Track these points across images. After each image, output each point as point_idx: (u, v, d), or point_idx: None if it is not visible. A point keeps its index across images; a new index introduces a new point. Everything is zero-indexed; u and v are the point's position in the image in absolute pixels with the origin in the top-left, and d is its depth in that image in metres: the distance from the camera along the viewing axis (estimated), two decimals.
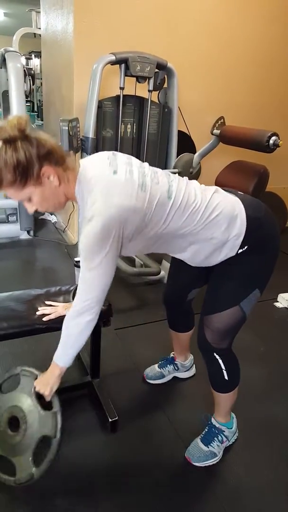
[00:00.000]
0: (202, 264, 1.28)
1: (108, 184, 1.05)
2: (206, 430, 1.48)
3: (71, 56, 2.86)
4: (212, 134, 2.71)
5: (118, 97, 2.62)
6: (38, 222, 3.63)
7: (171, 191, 1.13)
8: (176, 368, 1.82)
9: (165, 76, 2.78)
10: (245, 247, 1.19)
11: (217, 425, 1.47)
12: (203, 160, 2.88)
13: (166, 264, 2.65)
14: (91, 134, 2.59)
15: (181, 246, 1.24)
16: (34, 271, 2.96)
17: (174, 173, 2.90)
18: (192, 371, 1.87)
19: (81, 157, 2.68)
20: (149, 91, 2.66)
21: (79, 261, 2.05)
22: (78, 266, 2.17)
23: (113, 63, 2.51)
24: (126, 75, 2.54)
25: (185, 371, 1.85)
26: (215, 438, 1.44)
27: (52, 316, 1.42)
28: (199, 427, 1.51)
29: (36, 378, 1.27)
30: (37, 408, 1.23)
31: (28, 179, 1.01)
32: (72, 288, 1.62)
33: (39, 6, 3.88)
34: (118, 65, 2.53)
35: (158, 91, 2.88)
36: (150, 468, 1.41)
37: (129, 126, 2.81)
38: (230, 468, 1.42)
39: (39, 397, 1.24)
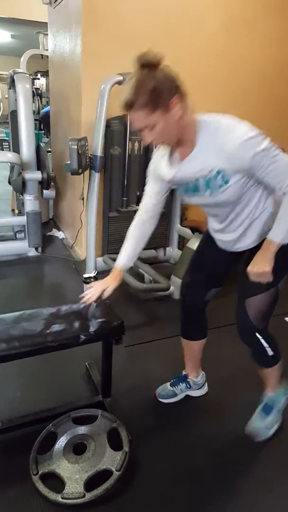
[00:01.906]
0: (241, 242, 1.40)
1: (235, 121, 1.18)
2: (263, 404, 1.63)
3: (79, 77, 2.92)
4: None
5: (125, 116, 2.67)
6: (45, 239, 3.66)
7: None
8: (188, 386, 1.81)
9: None
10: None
11: (271, 397, 1.63)
12: None
13: (176, 280, 2.65)
14: (99, 153, 2.64)
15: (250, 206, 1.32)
16: (43, 288, 2.97)
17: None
18: (205, 389, 1.85)
19: (90, 176, 2.73)
20: None
21: (87, 278, 2.08)
22: (87, 282, 2.19)
23: (120, 83, 2.57)
24: None
25: (197, 389, 1.83)
26: (272, 410, 1.61)
27: (93, 298, 1.49)
28: (219, 440, 1.49)
29: (115, 422, 1.50)
30: (108, 444, 1.42)
31: (159, 105, 1.10)
32: (82, 305, 1.62)
33: (46, 28, 3.99)
34: None
35: None
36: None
37: (136, 143, 2.85)
38: None
39: (110, 437, 1.45)
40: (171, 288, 2.61)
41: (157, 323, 2.43)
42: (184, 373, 1.82)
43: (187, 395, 1.81)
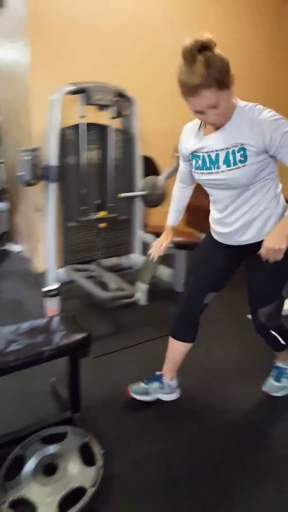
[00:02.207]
0: (241, 235, 1.47)
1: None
2: (275, 372, 1.87)
3: (27, 87, 2.87)
4: (173, 157, 2.78)
5: (79, 125, 2.65)
6: (1, 253, 3.53)
7: None
8: (161, 386, 1.79)
9: (127, 103, 2.84)
10: None
11: (282, 365, 1.86)
12: (168, 181, 2.93)
13: (140, 286, 2.64)
14: (54, 162, 2.59)
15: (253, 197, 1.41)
16: (1, 304, 2.85)
17: (142, 195, 2.96)
18: (176, 394, 1.84)
19: (45, 187, 2.67)
20: (111, 118, 2.71)
21: (48, 291, 1.99)
22: (49, 296, 2.12)
23: (72, 92, 2.54)
24: (87, 103, 2.58)
25: (168, 393, 1.81)
26: (283, 375, 1.85)
27: (157, 254, 1.73)
28: (195, 446, 1.47)
29: (86, 436, 1.45)
30: (80, 461, 1.37)
31: (224, 83, 1.20)
32: (44, 320, 1.57)
33: None
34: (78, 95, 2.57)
35: (120, 118, 2.93)
36: None
37: (94, 152, 2.83)
38: None
39: (82, 453, 1.40)
40: (137, 294, 2.59)
41: (124, 331, 2.40)
42: (159, 373, 1.81)
43: (158, 400, 1.79)
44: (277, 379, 1.87)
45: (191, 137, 1.46)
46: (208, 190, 1.52)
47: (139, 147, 2.95)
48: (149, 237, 2.97)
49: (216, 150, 1.36)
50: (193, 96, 1.21)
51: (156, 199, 3.00)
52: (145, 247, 3.10)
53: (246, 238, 1.48)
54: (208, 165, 1.40)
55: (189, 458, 1.53)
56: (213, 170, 1.39)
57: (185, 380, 1.87)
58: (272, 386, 1.87)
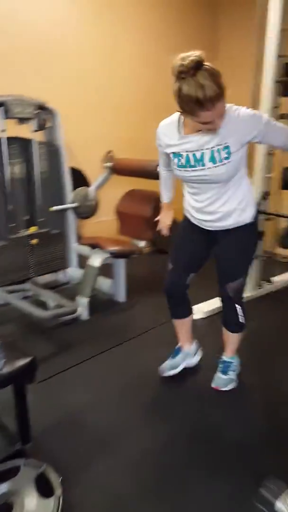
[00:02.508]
0: (220, 221, 1.64)
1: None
2: (221, 365, 1.95)
3: None
4: (104, 167, 2.78)
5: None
6: None
7: None
8: (185, 355, 2.03)
9: (48, 115, 2.78)
10: (253, 220, 1.67)
11: (228, 359, 1.95)
12: (99, 192, 2.91)
13: (82, 300, 2.57)
14: None
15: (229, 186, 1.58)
16: None
17: (73, 207, 2.91)
18: (199, 355, 2.11)
19: None
20: (33, 131, 2.63)
21: None
22: None
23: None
24: (6, 117, 2.48)
25: (193, 357, 2.08)
26: (229, 368, 1.93)
27: (167, 223, 1.96)
28: (151, 462, 1.45)
29: (40, 467, 1.35)
30: (37, 494, 1.28)
31: (224, 93, 1.31)
32: None
33: None
34: None
35: (43, 131, 2.86)
36: None
37: (17, 166, 2.71)
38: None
39: (39, 485, 1.31)
40: (79, 309, 2.52)
41: (69, 348, 2.32)
42: (178, 346, 2.05)
43: (114, 416, 1.75)
44: (224, 372, 1.94)
45: (172, 135, 1.55)
46: (189, 184, 1.65)
47: (66, 159, 2.90)
48: (85, 249, 2.92)
49: (202, 149, 1.48)
50: (209, 109, 1.31)
51: (88, 210, 2.96)
52: (82, 260, 3.04)
53: (224, 224, 1.66)
54: (192, 163, 1.52)
55: (152, 474, 1.50)
56: (198, 168, 1.51)
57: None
58: (220, 380, 1.93)
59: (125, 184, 3.09)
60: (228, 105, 1.42)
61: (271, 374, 2.10)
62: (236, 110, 1.45)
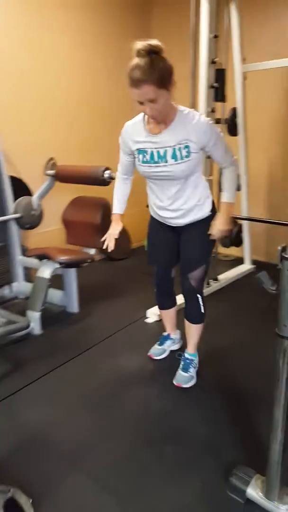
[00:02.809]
0: (183, 218, 1.79)
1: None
2: (183, 363, 2.05)
3: None
4: (46, 175, 2.71)
5: None
6: None
7: None
8: (172, 342, 2.27)
9: None
10: (211, 213, 1.82)
11: (189, 357, 2.05)
12: (43, 201, 2.83)
13: (33, 314, 2.47)
14: None
15: (188, 185, 1.73)
16: None
17: (15, 218, 2.79)
18: (180, 343, 2.31)
19: None
20: None
21: None
22: None
23: None
24: None
25: (177, 343, 2.30)
26: (190, 366, 2.02)
27: (112, 241, 1.92)
28: (119, 472, 1.43)
29: (9, 492, 1.28)
30: None
31: (164, 83, 1.44)
32: None
33: None
34: None
35: None
36: None
37: None
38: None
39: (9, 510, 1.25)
40: (31, 325, 2.42)
41: (24, 366, 2.21)
42: (166, 333, 2.28)
43: (80, 430, 1.70)
44: (185, 370, 2.01)
45: (139, 132, 1.68)
46: (152, 181, 1.77)
47: (5, 168, 2.78)
48: (31, 261, 2.81)
49: (165, 147, 1.62)
50: (136, 87, 1.44)
51: (32, 220, 2.86)
52: (31, 273, 2.94)
53: (187, 220, 1.80)
54: (156, 159, 1.66)
55: (124, 482, 1.48)
56: (161, 164, 1.65)
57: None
58: (181, 377, 1.99)
59: (69, 192, 3.04)
60: (183, 108, 1.62)
61: (226, 368, 2.18)
62: (194, 115, 1.61)
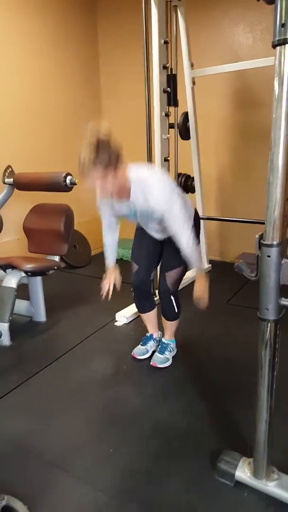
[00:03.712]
0: (166, 235, 1.89)
1: (157, 175, 1.76)
2: (159, 346, 2.24)
3: None
4: (4, 183, 2.64)
5: None
6: None
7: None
8: (154, 342, 2.30)
9: None
10: (194, 221, 1.93)
11: (166, 341, 2.23)
12: (2, 210, 2.75)
13: (2, 325, 2.39)
14: None
15: None
16: None
17: None
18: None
19: None
20: None
21: None
22: None
23: None
24: None
25: (159, 345, 2.29)
26: (166, 349, 2.20)
27: (111, 289, 2.00)
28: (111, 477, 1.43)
29: (3, 500, 1.25)
30: None
31: (110, 167, 1.51)
32: None
33: None
34: None
35: None
36: None
37: None
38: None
39: None
40: (1, 338, 2.34)
41: None
42: (149, 334, 2.32)
43: (65, 433, 1.68)
44: (161, 352, 2.21)
45: (108, 199, 1.78)
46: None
47: None
48: None
49: (134, 207, 1.76)
50: (84, 179, 1.53)
51: None
52: None
53: (164, 237, 1.98)
54: (128, 213, 1.83)
55: (112, 481, 1.49)
56: (133, 216, 1.84)
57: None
58: (157, 358, 2.19)
59: (26, 200, 2.98)
60: (133, 173, 1.67)
61: (199, 361, 2.25)
62: (149, 187, 1.67)
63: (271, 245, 1.08)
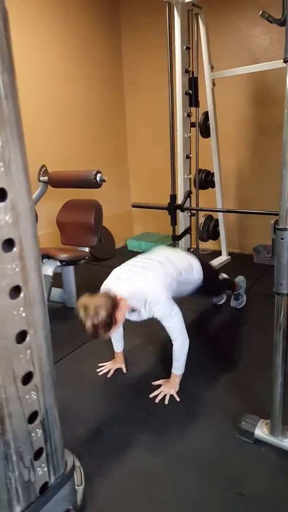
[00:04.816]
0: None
1: (148, 287, 1.88)
2: (233, 296, 2.82)
3: None
4: (39, 181, 2.89)
5: None
6: None
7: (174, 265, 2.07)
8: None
9: None
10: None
11: (236, 292, 2.79)
12: (37, 206, 3.00)
13: None
14: None
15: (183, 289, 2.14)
16: None
17: None
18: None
19: None
20: None
21: None
22: None
23: None
24: None
25: None
26: (239, 296, 2.82)
27: (111, 371, 2.15)
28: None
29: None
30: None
31: (112, 320, 1.69)
32: None
33: None
34: None
35: None
36: None
37: None
38: None
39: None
40: None
41: None
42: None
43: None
44: (236, 299, 2.82)
45: None
46: None
47: None
48: None
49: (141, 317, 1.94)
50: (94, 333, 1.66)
51: None
52: None
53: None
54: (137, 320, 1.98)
55: (150, 437, 1.71)
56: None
57: None
58: (235, 303, 2.83)
59: (54, 198, 3.22)
60: (137, 294, 1.84)
61: (218, 344, 2.44)
62: (149, 302, 1.83)
63: (284, 229, 1.27)
